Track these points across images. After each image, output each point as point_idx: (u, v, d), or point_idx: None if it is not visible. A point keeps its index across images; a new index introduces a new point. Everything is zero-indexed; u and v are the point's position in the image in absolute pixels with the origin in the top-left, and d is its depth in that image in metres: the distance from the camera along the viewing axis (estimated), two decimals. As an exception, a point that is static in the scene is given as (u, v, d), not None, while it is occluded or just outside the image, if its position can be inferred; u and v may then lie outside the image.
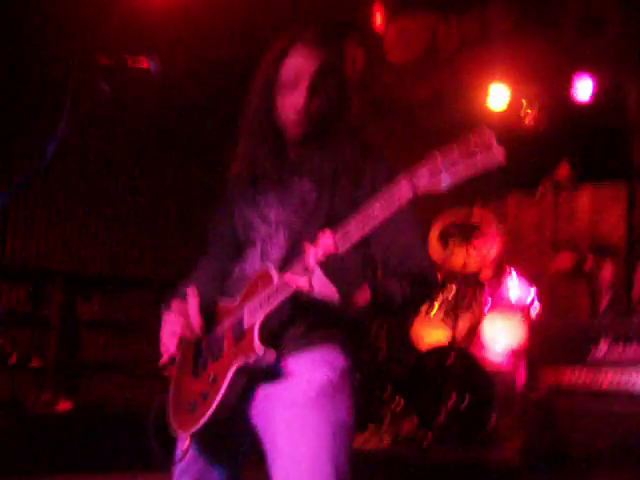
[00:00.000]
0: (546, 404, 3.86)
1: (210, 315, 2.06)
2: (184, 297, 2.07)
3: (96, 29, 5.16)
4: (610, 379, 3.64)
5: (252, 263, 2.09)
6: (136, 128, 6.26)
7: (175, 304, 2.09)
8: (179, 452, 2.04)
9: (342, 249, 1.75)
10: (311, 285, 1.79)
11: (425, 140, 5.60)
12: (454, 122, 5.55)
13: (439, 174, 1.56)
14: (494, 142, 1.51)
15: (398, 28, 6.13)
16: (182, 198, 6.51)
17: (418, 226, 2.09)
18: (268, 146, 2.09)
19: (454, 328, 5.03)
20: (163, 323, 2.11)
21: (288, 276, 1.83)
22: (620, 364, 3.61)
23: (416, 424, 4.90)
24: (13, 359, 5.57)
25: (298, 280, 1.80)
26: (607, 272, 5.08)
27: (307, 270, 1.79)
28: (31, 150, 5.29)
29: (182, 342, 2.09)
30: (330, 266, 1.79)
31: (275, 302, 1.88)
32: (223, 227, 2.26)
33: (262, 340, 1.88)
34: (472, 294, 5.41)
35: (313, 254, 1.77)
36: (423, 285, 2.02)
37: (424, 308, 5.42)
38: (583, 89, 5.87)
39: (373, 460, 4.60)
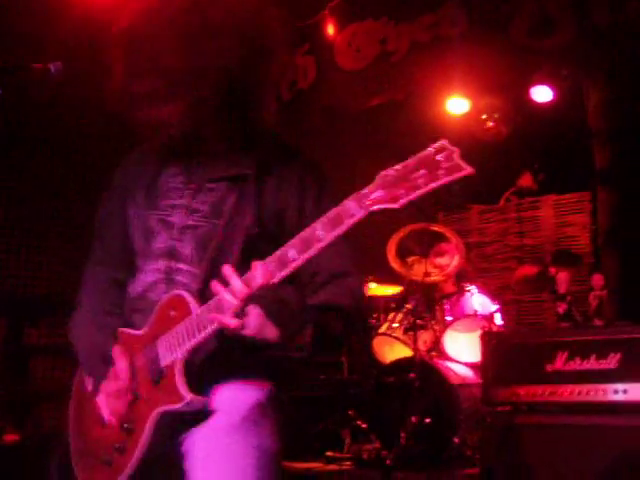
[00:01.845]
0: (504, 421, 3.68)
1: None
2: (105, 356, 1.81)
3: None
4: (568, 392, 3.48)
5: (153, 280, 1.83)
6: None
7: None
8: None
9: (277, 279, 1.53)
10: (245, 327, 1.57)
11: (382, 149, 5.45)
12: (410, 131, 5.42)
13: (396, 191, 1.40)
14: (457, 157, 1.38)
15: (349, 35, 6.02)
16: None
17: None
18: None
19: (416, 342, 4.85)
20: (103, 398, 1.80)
21: (215, 316, 1.59)
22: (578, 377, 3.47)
23: (378, 447, 4.69)
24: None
25: (228, 323, 1.56)
26: (562, 283, 4.93)
27: (240, 313, 1.56)
28: None
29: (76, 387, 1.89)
30: (266, 301, 1.59)
31: (198, 338, 1.64)
32: (112, 231, 1.98)
33: (188, 382, 1.64)
34: (433, 306, 5.23)
35: (242, 291, 1.53)
36: (356, 307, 1.84)
37: (385, 323, 5.25)
38: (541, 95, 5.76)
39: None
